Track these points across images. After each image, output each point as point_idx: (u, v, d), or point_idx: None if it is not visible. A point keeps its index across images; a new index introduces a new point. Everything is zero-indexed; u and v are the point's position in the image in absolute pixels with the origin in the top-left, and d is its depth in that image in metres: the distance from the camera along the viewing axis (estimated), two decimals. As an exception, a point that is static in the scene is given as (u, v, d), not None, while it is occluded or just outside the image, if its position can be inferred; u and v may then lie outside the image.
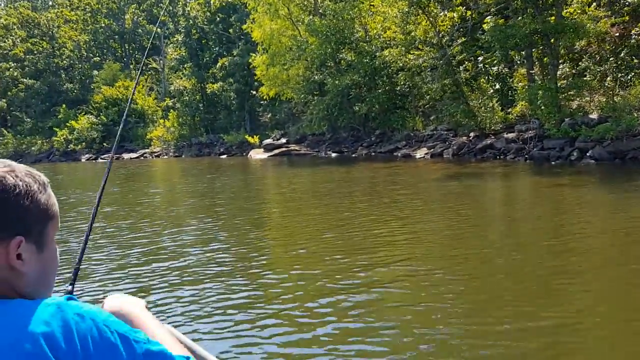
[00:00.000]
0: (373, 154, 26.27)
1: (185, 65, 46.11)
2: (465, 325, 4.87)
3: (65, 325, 1.02)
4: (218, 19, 43.86)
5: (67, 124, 46.69)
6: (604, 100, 20.03)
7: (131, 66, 55.87)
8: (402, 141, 25.93)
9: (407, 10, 26.29)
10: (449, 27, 26.36)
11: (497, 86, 24.53)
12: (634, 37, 21.31)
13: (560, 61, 21.26)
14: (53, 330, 1.00)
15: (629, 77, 20.63)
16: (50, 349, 0.98)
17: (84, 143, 45.35)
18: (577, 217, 9.57)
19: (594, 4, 22.59)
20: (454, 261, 7.02)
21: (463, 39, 25.48)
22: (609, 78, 21.17)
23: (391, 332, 4.79)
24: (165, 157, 39.84)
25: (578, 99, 20.21)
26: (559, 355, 4.40)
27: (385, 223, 9.74)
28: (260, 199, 15.59)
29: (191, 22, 44.96)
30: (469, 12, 27.14)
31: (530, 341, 4.44)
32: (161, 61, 53.02)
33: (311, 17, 32.09)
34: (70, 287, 1.54)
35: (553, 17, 19.88)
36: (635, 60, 20.55)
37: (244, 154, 34.07)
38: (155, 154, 41.22)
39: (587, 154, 16.78)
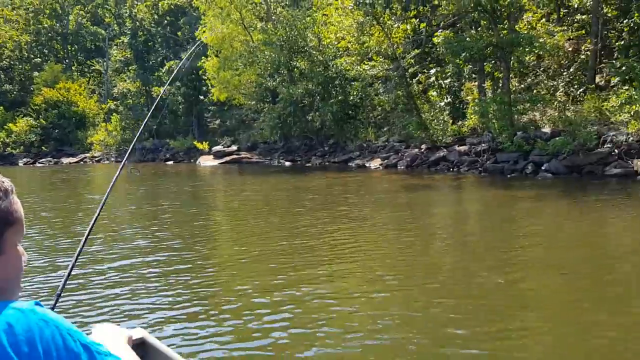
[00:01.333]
0: (327, 163, 25.82)
1: (130, 68, 44.49)
2: (405, 326, 5.15)
3: (28, 330, 1.03)
4: (166, 21, 42.62)
5: (5, 127, 44.11)
6: (556, 114, 20.31)
7: (73, 67, 53.55)
8: (356, 152, 25.62)
9: (362, 20, 26.18)
10: (403, 38, 26.45)
11: (449, 99, 24.60)
12: (583, 53, 21.80)
13: (511, 75, 21.45)
14: (15, 333, 1.02)
15: (579, 92, 21.02)
16: (13, 352, 1.00)
17: (22, 147, 42.93)
18: (529, 228, 9.71)
19: (543, 19, 23.07)
20: (399, 268, 7.13)
21: (416, 51, 25.52)
22: (559, 92, 21.54)
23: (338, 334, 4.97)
24: (107, 161, 38.12)
25: (530, 113, 20.40)
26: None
27: (338, 232, 9.61)
28: (209, 206, 14.85)
29: (138, 23, 43.50)
30: (422, 25, 27.29)
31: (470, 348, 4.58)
32: (105, 63, 51.10)
33: (263, 23, 31.51)
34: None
35: (505, 31, 20.04)
36: (585, 76, 20.97)
37: (192, 160, 32.97)
38: (96, 159, 39.42)
39: (542, 168, 16.80)
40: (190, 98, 38.00)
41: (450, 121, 22.88)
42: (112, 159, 38.34)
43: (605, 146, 16.79)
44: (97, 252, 8.42)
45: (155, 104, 4.69)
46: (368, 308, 5.60)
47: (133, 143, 3.35)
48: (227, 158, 30.27)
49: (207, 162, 30.46)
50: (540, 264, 7.09)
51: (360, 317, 5.37)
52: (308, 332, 5.02)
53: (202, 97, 38.12)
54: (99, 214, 2.42)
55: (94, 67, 52.63)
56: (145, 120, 3.74)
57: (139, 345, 2.33)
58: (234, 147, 32.22)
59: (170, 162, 33.28)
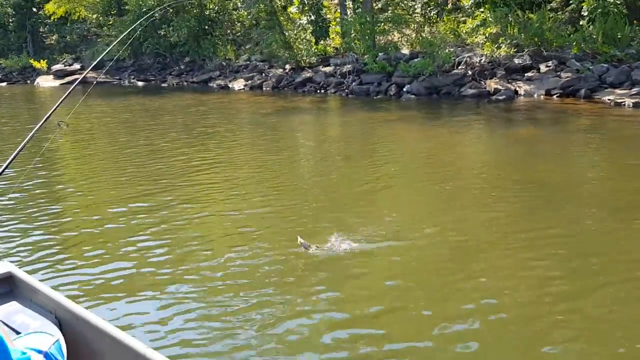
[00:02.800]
0: (185, 83, 24.36)
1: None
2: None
3: None
4: None
5: None
6: (414, 35, 20.76)
7: None
8: (216, 71, 24.37)
9: None
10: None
11: (311, 17, 24.06)
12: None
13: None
14: None
15: (433, 14, 21.60)
16: None
17: None
18: (387, 146, 10.19)
19: None
20: (262, 189, 7.37)
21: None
22: (416, 13, 21.97)
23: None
24: None
25: (390, 34, 20.63)
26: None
27: (196, 154, 9.56)
28: (50, 131, 13.31)
29: None
30: None
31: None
32: None
33: None
34: None
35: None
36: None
37: (29, 81, 29.45)
38: None
39: (404, 89, 17.20)
40: (22, 10, 33.45)
41: (314, 40, 22.48)
42: None
43: (459, 68, 17.56)
44: None
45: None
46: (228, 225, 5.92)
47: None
48: (70, 78, 27.34)
49: (46, 82, 27.40)
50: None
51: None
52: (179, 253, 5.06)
53: (35, 10, 33.73)
54: None
55: None
56: None
57: (7, 280, 2.33)
58: (77, 66, 29.19)
59: (4, 84, 29.42)
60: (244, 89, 21.26)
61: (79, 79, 4.00)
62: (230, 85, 21.96)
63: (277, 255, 4.98)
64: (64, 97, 2.64)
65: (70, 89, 3.33)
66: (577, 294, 4.31)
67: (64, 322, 2.16)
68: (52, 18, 31.10)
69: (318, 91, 19.35)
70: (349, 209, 6.31)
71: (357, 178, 7.86)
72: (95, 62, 5.07)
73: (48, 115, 2.87)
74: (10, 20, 34.40)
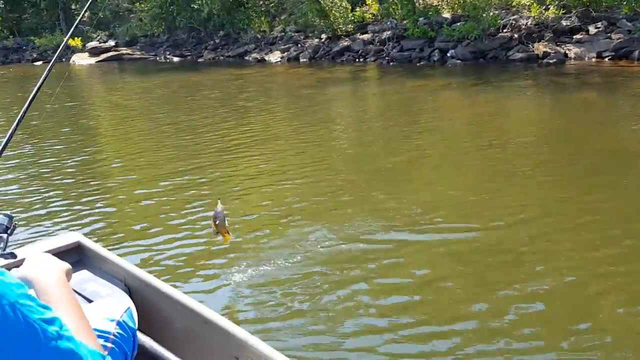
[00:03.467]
0: (221, 58, 24.15)
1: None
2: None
3: None
4: None
5: None
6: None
7: None
8: (251, 44, 24.09)
9: None
10: None
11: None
12: None
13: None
14: None
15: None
16: None
17: None
18: (438, 114, 9.82)
19: None
20: (303, 162, 7.16)
21: None
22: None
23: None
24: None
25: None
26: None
27: (236, 129, 9.41)
28: (96, 110, 13.33)
29: None
30: None
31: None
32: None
33: None
34: None
35: None
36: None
37: (64, 59, 29.59)
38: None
39: (448, 54, 16.74)
40: (53, -13, 33.58)
41: (350, 7, 21.99)
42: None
43: (504, 31, 16.98)
44: None
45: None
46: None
47: None
48: (105, 55, 27.46)
49: (82, 60, 27.50)
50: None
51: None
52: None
53: (67, -14, 33.82)
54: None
55: None
56: None
57: (76, 249, 2.36)
58: (112, 43, 29.29)
59: (39, 63, 29.65)
60: (280, 61, 20.98)
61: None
62: (266, 58, 21.69)
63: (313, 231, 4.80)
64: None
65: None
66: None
67: (134, 289, 2.19)
68: (84, -5, 31.12)
69: (357, 60, 18.97)
70: (392, 184, 6.08)
71: (406, 149, 7.56)
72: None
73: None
74: (42, -2, 34.53)
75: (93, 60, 27.09)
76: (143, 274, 2.21)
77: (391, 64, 17.42)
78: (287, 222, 5.05)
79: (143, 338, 1.94)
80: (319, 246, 4.47)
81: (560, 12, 16.18)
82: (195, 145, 8.38)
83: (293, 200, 5.69)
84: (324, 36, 21.80)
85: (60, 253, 2.21)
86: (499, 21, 16.49)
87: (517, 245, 4.35)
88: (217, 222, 3.13)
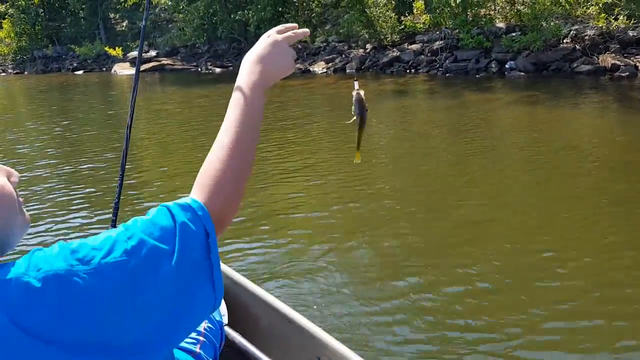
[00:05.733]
0: (263, 68, 23.70)
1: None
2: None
3: None
4: None
5: None
6: (507, 8, 19.40)
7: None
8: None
9: None
10: None
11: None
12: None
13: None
14: None
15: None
16: None
17: None
18: (517, 132, 8.93)
19: None
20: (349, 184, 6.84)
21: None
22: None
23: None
24: (3, 74, 33.69)
25: (483, 7, 19.33)
26: None
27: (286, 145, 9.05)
28: (152, 123, 12.94)
29: None
30: None
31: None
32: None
33: None
34: None
35: None
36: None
37: (104, 69, 29.61)
38: (-11, 71, 34.81)
39: (507, 66, 16.02)
40: (93, -4, 33.75)
41: (395, 17, 21.39)
42: (10, 71, 33.89)
43: (564, 41, 16.20)
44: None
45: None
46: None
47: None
48: (147, 65, 27.25)
49: (123, 70, 27.40)
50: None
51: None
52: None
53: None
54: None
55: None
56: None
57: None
58: (153, 53, 29.16)
59: (80, 72, 29.70)
60: (326, 72, 20.46)
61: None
62: (311, 69, 21.20)
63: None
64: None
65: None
66: None
67: (224, 286, 2.08)
68: (123, 4, 31.15)
69: (407, 71, 18.34)
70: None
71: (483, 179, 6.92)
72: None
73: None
74: (82, 6, 34.73)
75: (134, 70, 26.91)
76: (232, 272, 2.31)
77: (447, 75, 16.73)
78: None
79: (231, 333, 2.05)
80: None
81: (631, 22, 15.33)
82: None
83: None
84: (368, 46, 21.25)
85: None
86: (561, 31, 15.70)
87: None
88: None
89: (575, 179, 6.49)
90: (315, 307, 3.82)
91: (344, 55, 21.54)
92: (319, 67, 21.07)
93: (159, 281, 0.90)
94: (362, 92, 1.58)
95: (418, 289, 4.03)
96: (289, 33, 1.32)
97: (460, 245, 4.73)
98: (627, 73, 13.77)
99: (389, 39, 20.74)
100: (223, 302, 2.05)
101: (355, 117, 1.59)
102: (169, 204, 1.00)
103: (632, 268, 4.16)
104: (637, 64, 14.45)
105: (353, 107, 1.56)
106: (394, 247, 4.79)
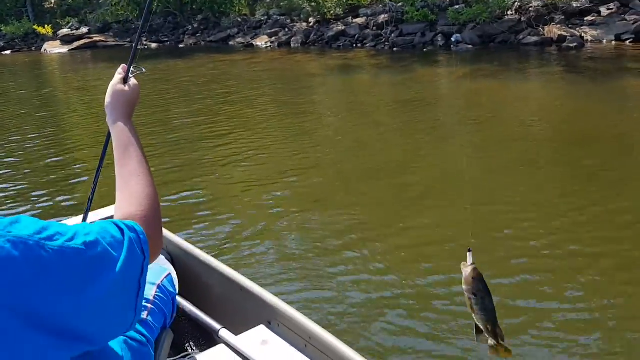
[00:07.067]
0: (203, 43, 22.77)
1: None
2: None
3: None
4: None
5: None
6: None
7: None
8: (234, 28, 22.78)
9: None
10: None
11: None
12: None
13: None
14: None
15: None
16: None
17: None
18: (481, 108, 8.72)
19: None
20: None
21: None
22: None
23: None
24: None
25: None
26: None
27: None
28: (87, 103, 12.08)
29: None
30: None
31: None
32: None
33: None
34: None
35: None
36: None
37: (34, 48, 27.82)
38: None
39: (453, 39, 15.78)
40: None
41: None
42: None
43: (509, 13, 16.12)
44: None
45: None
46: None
47: None
48: (78, 43, 25.80)
49: (55, 49, 25.78)
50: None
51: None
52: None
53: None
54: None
55: None
56: None
57: None
58: (84, 30, 27.56)
59: (7, 52, 27.77)
60: (270, 46, 19.75)
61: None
62: (253, 43, 20.43)
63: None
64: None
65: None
66: None
67: (175, 257, 2.34)
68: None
69: (354, 45, 17.86)
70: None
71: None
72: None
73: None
74: (6, -17, 32.43)
75: (66, 48, 25.42)
76: (182, 242, 2.36)
77: (394, 49, 16.36)
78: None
79: (183, 302, 2.07)
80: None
81: (573, -8, 15.33)
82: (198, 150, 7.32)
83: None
84: (312, 20, 20.65)
85: None
86: (506, 3, 15.57)
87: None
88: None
89: (521, 146, 6.58)
90: (269, 277, 3.92)
91: (287, 29, 20.84)
92: (262, 41, 20.32)
93: (104, 281, 0.93)
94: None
95: (367, 256, 4.19)
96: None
97: (407, 214, 4.95)
98: (575, 44, 13.75)
99: (332, 12, 20.18)
100: (175, 272, 2.08)
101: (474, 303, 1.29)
102: (116, 220, 1.06)
103: (579, 225, 4.50)
104: (583, 34, 14.48)
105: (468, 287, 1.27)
106: (344, 219, 4.88)
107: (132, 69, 1.60)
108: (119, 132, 1.36)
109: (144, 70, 1.65)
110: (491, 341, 1.30)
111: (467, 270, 1.27)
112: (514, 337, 3.06)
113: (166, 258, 2.29)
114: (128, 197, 1.16)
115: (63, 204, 5.79)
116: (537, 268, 3.87)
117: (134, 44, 1.83)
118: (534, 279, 3.74)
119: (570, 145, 6.58)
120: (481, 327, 1.28)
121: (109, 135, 1.65)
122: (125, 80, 1.55)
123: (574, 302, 3.49)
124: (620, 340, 3.10)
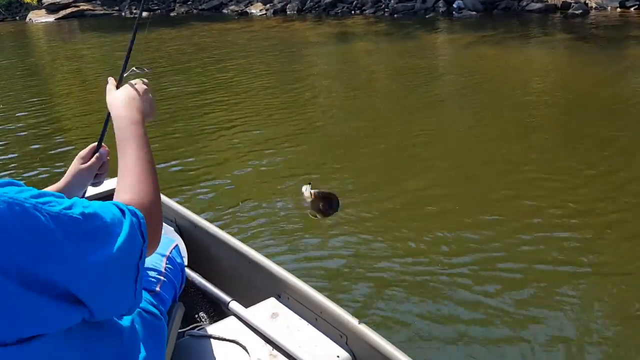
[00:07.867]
0: (195, 11, 22.18)
1: None
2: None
3: None
4: None
5: None
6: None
7: None
8: (225, -5, 22.18)
9: None
10: None
11: None
12: None
13: None
14: None
15: None
16: None
17: None
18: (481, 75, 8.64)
19: None
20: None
21: None
22: None
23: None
24: None
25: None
26: None
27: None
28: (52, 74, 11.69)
29: None
30: None
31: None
32: None
33: None
34: None
35: None
36: None
37: (17, 17, 26.98)
38: None
39: (454, 5, 15.48)
40: None
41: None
42: None
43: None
44: None
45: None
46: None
47: None
48: (64, 12, 25.01)
49: (40, 18, 25.00)
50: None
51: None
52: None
53: None
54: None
55: None
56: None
57: None
58: (70, -2, 26.76)
59: (-9, 21, 26.94)
60: (265, 14, 19.28)
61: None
62: (248, 11, 19.92)
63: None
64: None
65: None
66: None
67: (183, 229, 2.35)
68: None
69: (353, 12, 17.47)
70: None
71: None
72: None
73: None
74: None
75: (52, 17, 24.65)
76: (192, 215, 2.34)
77: (395, 16, 16.00)
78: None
79: (192, 274, 2.06)
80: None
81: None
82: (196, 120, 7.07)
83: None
84: (307, -14, 20.13)
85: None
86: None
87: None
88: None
89: (525, 113, 6.55)
90: (275, 247, 3.89)
91: (280, -4, 20.32)
92: (256, 9, 19.85)
93: (102, 255, 0.92)
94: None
95: (364, 224, 4.19)
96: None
97: (405, 179, 4.93)
98: (579, 11, 13.52)
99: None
100: (184, 244, 2.13)
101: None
102: (117, 202, 1.04)
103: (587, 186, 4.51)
104: (587, 1, 14.22)
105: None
106: (343, 184, 4.91)
107: (134, 69, 1.44)
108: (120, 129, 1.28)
109: (146, 70, 1.47)
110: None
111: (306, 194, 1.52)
112: (524, 305, 3.08)
113: (174, 230, 2.31)
114: (129, 186, 1.14)
115: (55, 171, 5.55)
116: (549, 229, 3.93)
117: (129, 44, 1.61)
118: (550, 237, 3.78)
119: (574, 110, 6.55)
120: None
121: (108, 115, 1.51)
122: (119, 82, 1.40)
123: (583, 266, 3.49)
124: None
